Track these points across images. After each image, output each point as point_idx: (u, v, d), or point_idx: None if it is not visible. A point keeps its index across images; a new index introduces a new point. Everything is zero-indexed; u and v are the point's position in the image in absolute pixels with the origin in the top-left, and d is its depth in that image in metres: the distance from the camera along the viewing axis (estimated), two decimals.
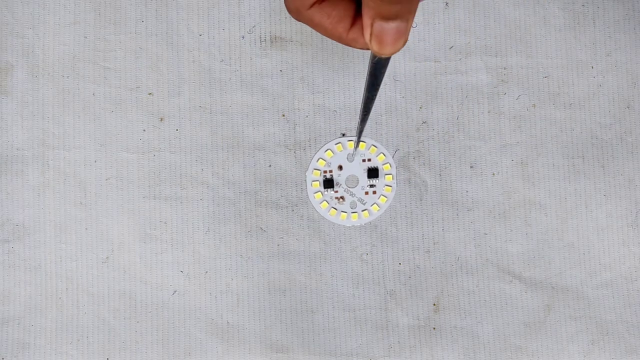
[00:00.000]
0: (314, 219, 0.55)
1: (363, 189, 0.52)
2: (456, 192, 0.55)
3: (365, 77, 0.41)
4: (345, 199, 0.52)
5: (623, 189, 0.55)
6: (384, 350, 0.55)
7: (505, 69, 0.55)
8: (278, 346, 0.55)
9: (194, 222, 0.55)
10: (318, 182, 0.52)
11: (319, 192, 0.52)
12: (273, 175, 0.55)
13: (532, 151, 0.55)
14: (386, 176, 0.51)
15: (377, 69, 0.41)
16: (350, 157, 0.51)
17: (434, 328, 0.55)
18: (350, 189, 0.52)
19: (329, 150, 0.51)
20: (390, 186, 0.51)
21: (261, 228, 0.55)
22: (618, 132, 0.55)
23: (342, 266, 0.55)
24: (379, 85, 0.42)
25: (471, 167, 0.55)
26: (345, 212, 0.52)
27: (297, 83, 0.56)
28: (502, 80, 0.55)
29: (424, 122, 0.55)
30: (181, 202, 0.55)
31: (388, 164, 0.51)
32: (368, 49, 0.40)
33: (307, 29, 0.56)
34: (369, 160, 0.52)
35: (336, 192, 0.52)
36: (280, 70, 0.56)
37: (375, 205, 0.52)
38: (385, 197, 0.51)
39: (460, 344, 0.55)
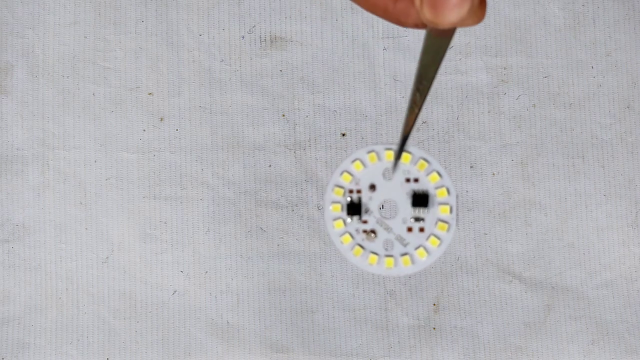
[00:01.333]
0: (314, 219, 0.55)
1: (405, 223, 0.35)
2: (456, 192, 0.55)
3: (417, 64, 0.32)
4: (378, 235, 0.35)
5: (623, 189, 0.55)
6: (384, 350, 0.55)
7: (505, 69, 0.55)
8: (278, 346, 0.55)
9: (194, 222, 0.55)
10: (339, 206, 0.35)
11: (340, 220, 0.35)
12: (273, 175, 0.55)
13: (532, 151, 0.55)
14: (441, 207, 0.34)
15: (435, 50, 0.30)
16: (389, 174, 0.35)
17: (434, 328, 0.54)
18: (386, 221, 0.35)
19: (357, 161, 0.35)
20: (447, 223, 0.34)
21: (261, 228, 0.55)
22: (618, 132, 0.55)
23: (342, 266, 0.55)
24: (435, 73, 0.31)
25: (471, 167, 0.55)
26: (377, 254, 0.35)
27: (297, 83, 0.56)
28: (502, 80, 0.55)
29: (424, 122, 0.55)
30: (181, 202, 0.55)
31: (444, 189, 0.34)
32: (421, 26, 0.30)
33: (308, 28, 0.56)
34: (416, 180, 0.35)
35: (365, 222, 0.35)
36: (280, 70, 0.56)
37: (421, 249, 0.34)
38: (438, 238, 0.34)
39: (460, 344, 0.54)
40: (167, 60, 0.56)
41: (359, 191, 0.35)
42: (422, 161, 0.35)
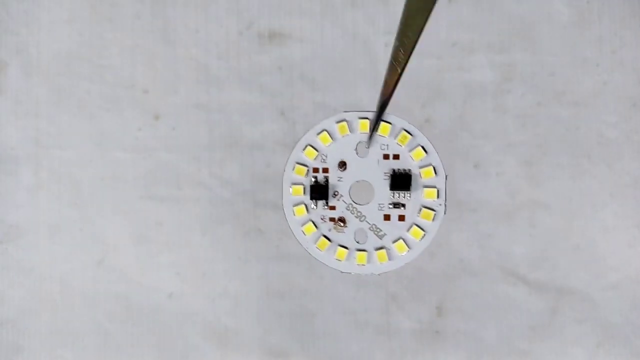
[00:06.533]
0: None
1: (381, 210, 0.29)
2: (460, 192, 0.55)
3: (402, 13, 0.29)
4: (348, 224, 0.29)
5: (629, 189, 0.55)
6: (385, 355, 0.55)
7: (509, 66, 0.55)
8: (277, 351, 0.55)
9: (190, 223, 0.55)
10: (301, 188, 0.29)
11: (302, 205, 0.29)
12: (271, 175, 0.55)
13: (537, 150, 0.55)
14: (425, 190, 0.29)
15: None
16: (363, 149, 0.29)
17: (437, 332, 0.55)
18: (358, 207, 0.29)
19: (324, 133, 0.29)
20: (434, 210, 0.28)
21: (259, 229, 0.55)
22: (624, 130, 0.55)
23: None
24: (422, 23, 0.28)
25: (475, 166, 0.55)
26: (346, 247, 0.29)
27: (297, 80, 0.55)
28: (507, 78, 0.55)
29: (427, 121, 0.55)
30: (177, 203, 0.55)
31: (430, 168, 0.29)
32: None
33: (307, 24, 0.56)
34: (396, 157, 0.29)
35: (332, 208, 0.29)
36: (279, 67, 0.56)
37: (400, 242, 0.29)
38: (422, 229, 0.29)
39: (463, 348, 0.55)
40: (163, 57, 0.56)
41: (325, 170, 0.30)
42: (404, 133, 0.29)
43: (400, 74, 0.28)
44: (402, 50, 0.28)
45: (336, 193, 0.29)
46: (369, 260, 0.29)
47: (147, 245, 0.55)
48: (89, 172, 0.55)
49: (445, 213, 0.28)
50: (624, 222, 0.55)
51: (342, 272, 0.29)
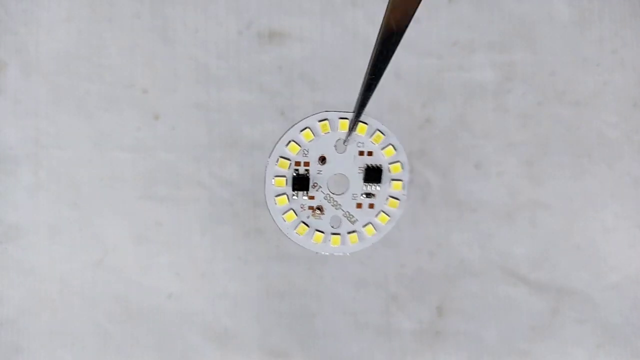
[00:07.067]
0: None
1: (355, 199, 0.33)
2: (460, 192, 0.55)
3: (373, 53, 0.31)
4: (325, 211, 0.33)
5: (630, 189, 0.55)
6: (385, 355, 0.55)
7: (510, 65, 0.55)
8: (277, 351, 0.55)
9: (189, 223, 0.55)
10: (284, 180, 0.33)
11: (284, 196, 0.33)
12: None
13: (538, 150, 0.55)
14: (393, 183, 0.33)
15: (390, 45, 0.29)
16: (341, 146, 0.32)
17: (438, 332, 0.55)
18: (335, 197, 0.33)
19: (307, 130, 0.33)
20: (398, 199, 0.33)
21: (259, 229, 0.55)
22: (625, 130, 0.55)
23: (342, 269, 0.55)
24: (391, 55, 0.31)
25: (475, 166, 0.55)
26: (322, 231, 0.33)
27: (297, 80, 0.55)
28: (507, 78, 0.55)
29: (427, 121, 0.55)
30: (177, 203, 0.55)
31: (398, 164, 0.33)
32: None
33: (307, 23, 0.56)
34: (370, 154, 0.33)
35: (312, 198, 0.32)
36: (279, 67, 0.55)
37: (369, 226, 0.33)
38: (388, 215, 0.33)
39: (464, 348, 0.55)
40: (162, 57, 0.56)
41: (306, 164, 0.33)
42: (378, 133, 0.32)
43: (378, 81, 0.31)
44: (378, 68, 0.30)
45: (315, 184, 0.32)
46: (342, 242, 0.33)
47: (147, 246, 0.55)
48: (89, 172, 0.55)
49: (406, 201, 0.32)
50: (625, 222, 0.55)
51: (316, 253, 0.32)
